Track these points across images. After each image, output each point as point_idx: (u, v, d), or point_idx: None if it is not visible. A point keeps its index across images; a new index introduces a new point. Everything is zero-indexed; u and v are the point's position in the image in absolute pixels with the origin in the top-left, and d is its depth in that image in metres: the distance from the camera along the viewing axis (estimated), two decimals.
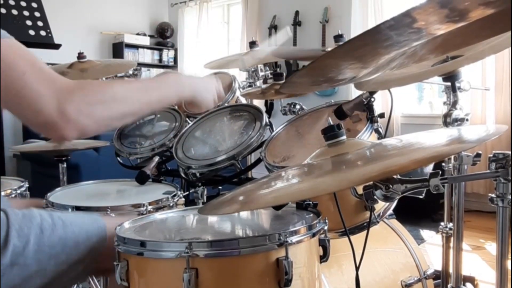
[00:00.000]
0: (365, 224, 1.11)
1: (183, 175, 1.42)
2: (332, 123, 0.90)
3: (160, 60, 6.32)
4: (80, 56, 2.07)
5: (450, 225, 1.50)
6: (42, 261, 0.87)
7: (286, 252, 0.75)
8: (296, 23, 5.02)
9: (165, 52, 6.34)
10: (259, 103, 1.81)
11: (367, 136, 1.15)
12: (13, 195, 1.47)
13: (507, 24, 0.59)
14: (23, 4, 2.18)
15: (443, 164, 1.50)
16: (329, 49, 0.88)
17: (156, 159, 1.55)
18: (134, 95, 0.88)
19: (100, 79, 2.11)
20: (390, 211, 1.20)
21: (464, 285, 1.32)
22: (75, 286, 1.63)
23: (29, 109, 0.74)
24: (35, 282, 0.87)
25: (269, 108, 1.82)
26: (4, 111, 0.82)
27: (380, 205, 1.14)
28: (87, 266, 0.94)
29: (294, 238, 0.77)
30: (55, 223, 0.91)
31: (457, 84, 1.14)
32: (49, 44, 2.28)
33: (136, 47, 6.02)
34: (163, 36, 6.33)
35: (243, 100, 1.80)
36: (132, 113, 0.89)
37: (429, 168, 2.42)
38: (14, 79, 0.73)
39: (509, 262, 0.91)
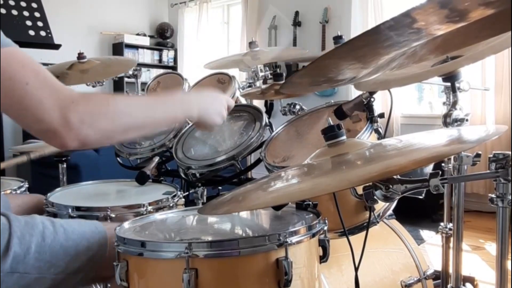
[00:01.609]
0: (365, 224, 1.11)
1: (183, 176, 1.42)
2: (332, 123, 0.91)
3: (160, 60, 6.32)
4: (80, 56, 2.07)
5: (450, 225, 1.50)
6: (42, 269, 0.87)
7: (285, 252, 0.75)
8: (296, 23, 5.02)
9: (165, 52, 6.34)
10: (259, 103, 1.82)
11: (367, 136, 1.15)
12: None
13: (507, 24, 0.59)
14: (23, 4, 2.18)
15: (443, 164, 1.50)
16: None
17: (156, 159, 1.55)
18: (138, 109, 0.86)
19: (100, 79, 2.11)
20: (390, 211, 1.20)
21: (464, 285, 1.32)
22: None
23: (32, 117, 0.74)
24: None
25: (269, 108, 1.83)
26: None
27: (380, 205, 1.14)
28: (87, 275, 0.94)
29: (293, 239, 0.77)
30: (57, 231, 0.91)
31: (457, 85, 1.14)
32: (49, 44, 2.27)
33: (136, 47, 6.01)
34: (163, 36, 6.33)
35: (243, 101, 1.80)
36: (135, 128, 0.86)
37: (429, 168, 2.42)
38: (18, 87, 0.72)
39: (509, 262, 0.91)
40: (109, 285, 1.21)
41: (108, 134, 0.80)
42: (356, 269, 0.97)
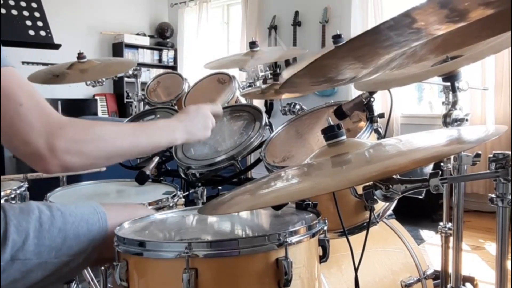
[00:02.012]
0: (365, 224, 1.11)
1: (182, 175, 1.42)
2: (332, 123, 0.91)
3: (160, 60, 6.32)
4: (80, 56, 2.07)
5: (450, 225, 1.50)
6: (42, 254, 0.87)
7: (285, 252, 0.75)
8: (296, 23, 5.02)
9: (165, 52, 6.34)
10: (258, 103, 1.82)
11: (367, 136, 1.15)
12: (12, 195, 1.47)
13: (507, 24, 0.59)
14: (23, 4, 2.18)
15: (443, 164, 1.50)
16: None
17: (156, 159, 1.55)
18: (123, 137, 0.90)
19: (100, 79, 2.11)
20: (390, 211, 1.20)
21: (463, 285, 1.32)
22: (75, 286, 1.63)
23: (19, 139, 0.76)
24: (36, 275, 0.87)
25: (269, 108, 1.83)
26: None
27: (380, 205, 1.14)
28: (88, 256, 0.94)
29: (293, 238, 0.77)
30: (54, 215, 0.91)
31: (456, 84, 1.14)
32: (49, 44, 2.27)
33: (136, 47, 6.02)
34: (163, 36, 6.33)
35: (243, 100, 1.80)
36: (119, 155, 0.90)
37: (428, 168, 2.42)
38: (10, 108, 0.74)
39: (508, 262, 0.91)
40: (109, 284, 1.21)
41: (92, 160, 0.84)
42: (356, 269, 0.97)
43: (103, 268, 0.92)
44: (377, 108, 1.22)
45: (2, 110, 0.74)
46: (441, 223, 1.59)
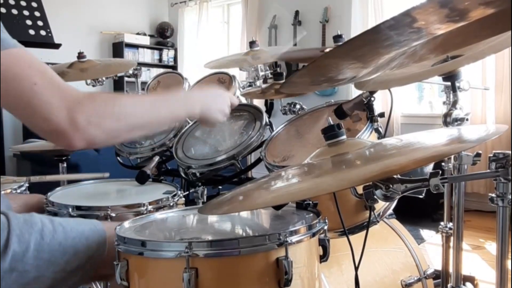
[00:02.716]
0: (365, 223, 1.11)
1: (183, 175, 1.42)
2: (332, 123, 0.91)
3: (160, 60, 6.32)
4: (80, 55, 2.07)
5: (450, 224, 1.50)
6: (41, 267, 0.87)
7: (286, 252, 0.75)
8: (296, 23, 5.02)
9: (165, 52, 6.34)
10: (259, 102, 1.81)
11: (367, 136, 1.15)
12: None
13: (507, 24, 0.59)
14: (23, 3, 2.18)
15: (443, 163, 1.50)
16: (328, 49, 0.88)
17: (156, 158, 1.55)
18: (142, 109, 0.89)
19: (100, 78, 2.12)
20: (390, 211, 1.20)
21: (464, 284, 1.32)
22: None
23: (39, 118, 0.75)
24: None
25: (269, 107, 1.82)
26: (3, 111, 0.82)
27: (380, 205, 1.14)
28: (86, 273, 0.94)
29: (294, 238, 0.77)
30: (56, 230, 0.90)
31: (457, 84, 1.14)
32: (49, 43, 2.28)
33: (136, 46, 6.02)
34: (163, 36, 6.33)
35: (243, 100, 1.80)
36: (140, 127, 0.88)
37: (429, 168, 2.42)
38: (25, 89, 0.73)
39: (509, 262, 0.91)
40: (109, 284, 1.21)
41: (114, 133, 0.82)
42: (356, 268, 0.97)
43: None
44: (377, 108, 1.22)
45: (16, 92, 0.73)
46: (441, 223, 1.59)
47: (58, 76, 0.78)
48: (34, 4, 2.22)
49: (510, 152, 0.80)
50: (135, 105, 0.87)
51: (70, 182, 1.69)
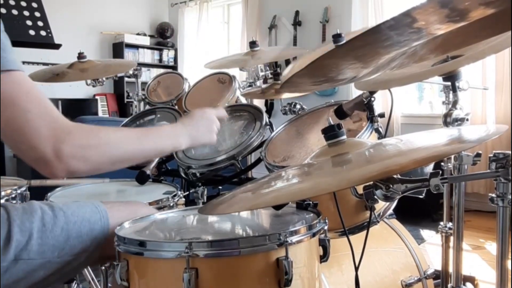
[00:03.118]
0: (365, 223, 1.11)
1: (183, 175, 1.42)
2: (332, 123, 0.91)
3: (160, 60, 6.32)
4: (80, 56, 2.07)
5: (450, 224, 1.50)
6: (46, 253, 0.88)
7: (286, 252, 0.75)
8: (296, 23, 5.02)
9: (165, 52, 6.34)
10: (259, 102, 1.81)
11: (367, 136, 1.15)
12: (13, 195, 1.47)
13: (507, 24, 0.59)
14: (23, 4, 2.18)
15: (443, 163, 1.50)
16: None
17: (156, 159, 1.55)
18: (128, 142, 0.91)
19: (100, 79, 2.12)
20: (390, 211, 1.20)
21: (464, 285, 1.32)
22: (75, 286, 1.63)
23: (26, 145, 0.77)
24: (39, 274, 0.88)
25: (269, 108, 1.83)
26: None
27: (380, 205, 1.14)
28: (90, 255, 0.95)
29: (294, 238, 0.77)
30: (57, 215, 0.91)
31: (457, 84, 1.14)
32: (49, 44, 2.27)
33: (136, 47, 6.02)
34: (163, 36, 6.33)
35: (243, 100, 1.80)
36: (124, 160, 0.91)
37: (429, 168, 2.42)
38: (18, 115, 0.75)
39: (509, 262, 0.91)
40: (109, 284, 1.21)
41: (97, 165, 0.85)
42: (357, 268, 0.97)
43: (103, 267, 0.91)
44: (378, 108, 1.22)
45: (9, 116, 0.74)
46: (441, 223, 1.59)
47: (52, 105, 0.80)
48: (34, 5, 2.22)
49: (510, 152, 0.80)
50: (120, 139, 0.90)
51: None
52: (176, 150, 1.13)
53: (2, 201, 0.91)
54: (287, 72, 1.60)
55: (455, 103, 1.14)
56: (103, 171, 0.88)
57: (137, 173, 1.49)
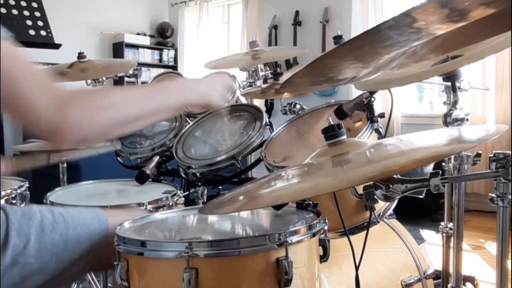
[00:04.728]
0: (365, 224, 1.11)
1: (183, 175, 1.42)
2: (332, 123, 0.90)
3: (160, 60, 6.32)
4: (80, 56, 2.07)
5: (450, 225, 1.50)
6: (43, 259, 0.87)
7: (286, 252, 0.75)
8: (296, 23, 5.02)
9: (165, 52, 6.34)
10: (259, 102, 1.81)
11: (367, 136, 1.15)
12: (13, 195, 1.47)
13: (507, 24, 0.59)
14: (23, 4, 2.18)
15: (443, 163, 1.50)
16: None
17: (156, 159, 1.55)
18: (132, 101, 0.86)
19: (100, 78, 2.12)
20: (390, 211, 1.20)
21: (464, 285, 1.32)
22: (75, 286, 1.63)
23: (29, 118, 0.74)
24: (36, 279, 0.87)
25: (269, 108, 1.83)
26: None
27: (380, 205, 1.14)
28: (89, 262, 0.94)
29: (294, 238, 0.77)
30: (56, 220, 0.90)
31: (457, 84, 1.14)
32: (49, 44, 2.27)
33: (136, 47, 6.02)
34: (163, 36, 6.33)
35: (243, 100, 1.80)
36: (131, 119, 0.85)
37: (429, 168, 2.42)
38: (11, 87, 0.71)
39: (509, 262, 0.91)
40: (109, 284, 1.21)
41: (106, 128, 0.80)
42: (357, 268, 0.97)
43: None
44: (378, 108, 1.22)
45: (4, 89, 0.71)
46: (441, 223, 1.59)
47: (46, 74, 0.77)
48: (34, 5, 2.22)
49: (510, 152, 0.80)
50: (124, 98, 0.85)
51: (70, 179, 1.69)
52: (182, 105, 1.04)
53: (2, 201, 0.90)
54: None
55: (455, 103, 1.14)
56: (114, 135, 0.82)
57: (137, 172, 1.49)
